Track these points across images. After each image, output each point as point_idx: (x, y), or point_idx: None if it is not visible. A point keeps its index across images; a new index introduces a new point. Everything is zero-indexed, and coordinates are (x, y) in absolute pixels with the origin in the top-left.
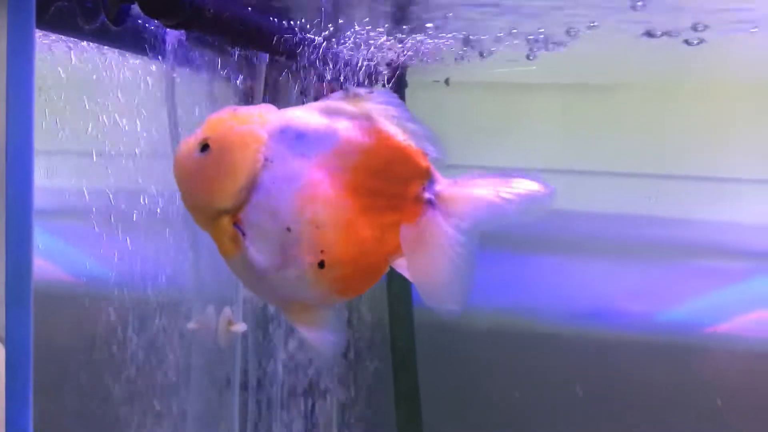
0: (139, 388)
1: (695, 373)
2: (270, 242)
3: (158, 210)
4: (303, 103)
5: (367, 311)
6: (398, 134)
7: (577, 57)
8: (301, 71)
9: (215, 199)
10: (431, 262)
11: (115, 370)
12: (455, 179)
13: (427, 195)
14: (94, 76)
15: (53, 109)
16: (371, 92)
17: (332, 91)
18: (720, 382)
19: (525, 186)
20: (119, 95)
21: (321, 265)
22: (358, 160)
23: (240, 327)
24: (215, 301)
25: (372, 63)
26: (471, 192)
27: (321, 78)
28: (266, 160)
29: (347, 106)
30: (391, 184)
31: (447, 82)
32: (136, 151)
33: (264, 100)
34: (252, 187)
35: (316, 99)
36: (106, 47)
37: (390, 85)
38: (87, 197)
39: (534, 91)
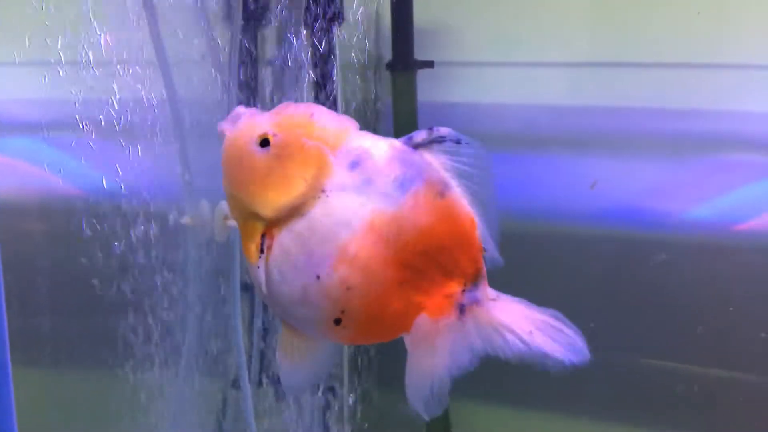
0: (137, 291)
1: (725, 272)
2: (295, 275)
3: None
4: None
5: None
6: (467, 220)
7: None
8: None
9: (255, 201)
10: (431, 365)
11: (115, 274)
12: (500, 296)
13: (464, 300)
14: None
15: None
16: (459, 142)
17: None
18: (750, 279)
19: (563, 345)
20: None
21: (337, 321)
22: (414, 236)
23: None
24: (207, 195)
25: None
26: (508, 323)
27: None
28: (323, 191)
29: (428, 163)
30: (435, 268)
31: None
32: (121, 57)
33: None
34: (297, 210)
35: None
36: None
37: None
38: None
39: None
